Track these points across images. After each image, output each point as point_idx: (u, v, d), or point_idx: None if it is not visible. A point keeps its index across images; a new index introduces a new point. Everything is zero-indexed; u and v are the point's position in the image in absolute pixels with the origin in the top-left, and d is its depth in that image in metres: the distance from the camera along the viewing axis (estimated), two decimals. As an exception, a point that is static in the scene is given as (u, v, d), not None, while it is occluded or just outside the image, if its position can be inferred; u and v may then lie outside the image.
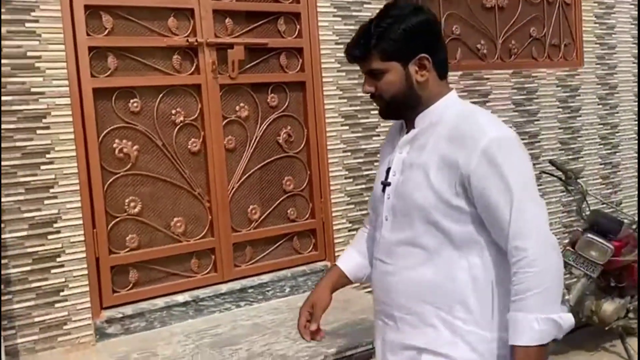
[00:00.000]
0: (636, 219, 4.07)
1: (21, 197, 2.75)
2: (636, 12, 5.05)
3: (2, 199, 2.70)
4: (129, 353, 2.77)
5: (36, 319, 2.79)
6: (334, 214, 3.68)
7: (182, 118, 3.22)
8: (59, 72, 2.82)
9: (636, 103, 5.13)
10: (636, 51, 5.09)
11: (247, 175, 3.43)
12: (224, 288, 3.29)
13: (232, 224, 3.37)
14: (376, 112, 3.78)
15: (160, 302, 3.10)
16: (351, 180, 3.74)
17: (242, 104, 3.41)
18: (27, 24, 2.74)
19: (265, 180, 3.51)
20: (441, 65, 1.65)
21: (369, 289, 3.75)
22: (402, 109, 1.67)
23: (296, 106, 3.60)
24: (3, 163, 2.70)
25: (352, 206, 3.75)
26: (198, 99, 3.26)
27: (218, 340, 2.86)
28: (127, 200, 3.09)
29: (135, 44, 3.07)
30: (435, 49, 1.63)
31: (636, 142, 5.13)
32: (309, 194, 3.65)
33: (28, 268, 2.77)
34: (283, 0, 3.51)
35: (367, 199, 3.79)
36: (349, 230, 3.74)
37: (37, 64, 2.77)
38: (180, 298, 3.15)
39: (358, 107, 3.74)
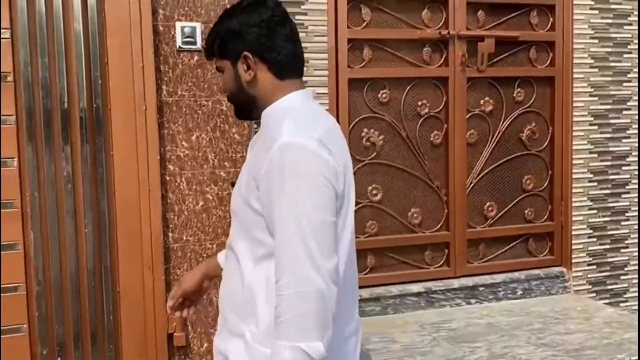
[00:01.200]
0: None
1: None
2: None
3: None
4: (369, 336, 2.87)
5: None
6: (573, 218, 3.48)
7: (427, 110, 3.24)
8: (320, 62, 2.98)
9: None
10: None
11: (486, 171, 3.36)
12: (455, 283, 3.28)
13: (467, 219, 3.33)
14: (629, 112, 3.54)
15: (394, 290, 3.17)
16: (595, 183, 3.51)
17: (487, 98, 3.34)
18: (297, 17, 2.93)
19: (504, 177, 3.42)
20: (276, 65, 1.51)
21: (607, 300, 3.54)
22: (243, 109, 1.61)
23: (542, 102, 3.45)
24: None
25: (595, 211, 3.52)
26: (444, 91, 3.26)
27: (454, 335, 2.86)
28: (369, 188, 3.19)
29: (390, 36, 3.14)
30: (262, 48, 1.50)
31: None
32: (549, 195, 3.49)
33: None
34: (537, -8, 3.37)
35: (611, 204, 3.55)
36: (589, 237, 3.52)
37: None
38: (414, 288, 3.19)
39: (609, 107, 3.49)
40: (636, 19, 3.52)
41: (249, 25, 1.50)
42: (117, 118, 2.54)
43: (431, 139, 3.26)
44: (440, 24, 3.21)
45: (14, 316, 2.46)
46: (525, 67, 3.39)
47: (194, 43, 2.64)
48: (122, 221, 2.58)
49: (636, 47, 3.53)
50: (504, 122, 3.38)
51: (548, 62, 3.42)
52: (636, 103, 3.56)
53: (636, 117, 3.56)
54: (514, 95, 3.39)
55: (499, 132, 3.37)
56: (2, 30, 2.39)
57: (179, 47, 2.63)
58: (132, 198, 2.57)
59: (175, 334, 2.66)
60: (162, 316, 2.63)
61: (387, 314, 3.14)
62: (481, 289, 3.31)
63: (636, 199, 3.59)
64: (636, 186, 3.58)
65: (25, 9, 2.40)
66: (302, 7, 2.93)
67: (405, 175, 3.24)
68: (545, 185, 3.48)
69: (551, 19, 3.39)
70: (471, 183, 3.34)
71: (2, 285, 2.43)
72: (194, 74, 2.66)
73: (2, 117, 2.40)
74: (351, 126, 3.11)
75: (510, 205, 3.43)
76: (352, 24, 3.08)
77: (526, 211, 3.46)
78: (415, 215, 3.26)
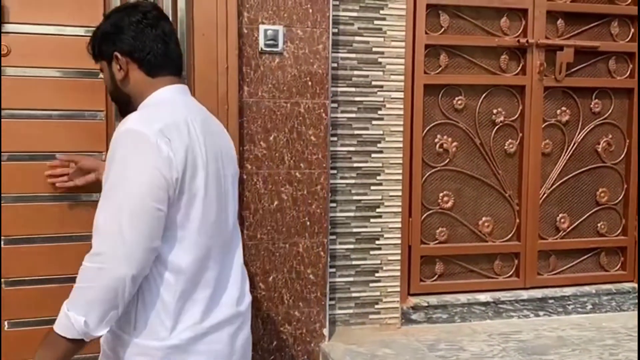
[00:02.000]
0: None
1: (352, 181, 2.98)
2: None
3: (338, 181, 2.95)
4: (436, 342, 2.86)
5: (353, 294, 3.02)
6: (648, 234, 3.40)
7: (502, 118, 3.22)
8: (397, 67, 2.99)
9: None
10: None
11: (560, 182, 3.32)
12: (524, 294, 3.23)
13: (539, 230, 3.29)
14: None
15: (462, 298, 3.15)
16: (673, 199, 3.41)
17: (563, 108, 3.30)
18: (375, 22, 2.95)
19: (578, 189, 3.36)
20: (146, 63, 1.61)
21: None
22: (122, 106, 1.69)
23: (620, 114, 3.38)
24: (343, 149, 2.95)
25: (671, 228, 3.42)
26: (520, 100, 3.23)
27: (524, 347, 2.82)
28: (440, 194, 3.18)
29: (467, 42, 3.13)
30: (131, 47, 1.60)
31: None
32: (623, 209, 3.41)
33: (352, 246, 3.00)
34: (619, 2, 3.30)
35: (690, 222, 3.44)
36: (664, 253, 3.43)
37: (379, 59, 2.96)
38: (482, 297, 3.17)
39: (692, 120, 3.39)
40: None
41: (119, 27, 1.61)
42: (201, 117, 2.61)
43: (505, 147, 3.24)
44: (519, 32, 3.18)
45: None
46: (603, 78, 3.33)
47: (276, 46, 2.69)
48: (200, 217, 2.64)
49: None
50: (580, 133, 3.32)
51: (627, 73, 3.35)
52: None
53: None
54: (591, 106, 3.33)
55: (574, 143, 3.32)
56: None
57: (262, 49, 2.68)
58: (211, 195, 2.63)
59: (247, 329, 2.71)
60: (235, 312, 2.68)
61: (454, 322, 3.13)
62: (550, 301, 3.26)
63: None
64: None
65: (119, 9, 2.50)
66: (381, 12, 2.94)
67: (477, 183, 3.22)
68: (619, 199, 3.41)
69: (632, 30, 3.33)
70: (544, 193, 3.29)
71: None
72: (274, 76, 2.71)
73: (92, 112, 2.50)
74: (425, 132, 3.12)
75: (583, 217, 3.37)
76: (430, 30, 3.08)
77: (599, 224, 3.39)
78: (486, 224, 3.24)
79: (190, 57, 2.59)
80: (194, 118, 1.57)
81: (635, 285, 3.39)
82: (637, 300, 3.37)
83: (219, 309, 1.61)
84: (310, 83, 2.75)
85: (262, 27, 2.67)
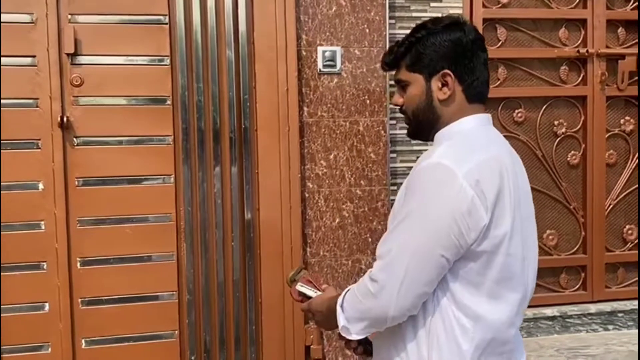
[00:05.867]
0: None
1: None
2: None
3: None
4: (503, 358, 2.83)
5: (416, 310, 3.02)
6: None
7: (563, 130, 3.17)
8: (455, 82, 2.99)
9: None
10: None
11: (626, 192, 3.24)
12: (592, 308, 3.17)
13: (605, 242, 3.22)
14: None
15: (528, 313, 3.10)
16: None
17: (627, 117, 3.23)
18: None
19: (645, 200, 3.28)
20: (471, 88, 1.48)
21: None
22: (422, 127, 1.53)
23: (688, 121, 3.29)
24: (403, 165, 2.96)
25: None
26: (582, 110, 3.18)
27: (594, 363, 2.77)
28: (502, 208, 3.15)
29: (526, 55, 3.11)
30: (464, 68, 1.47)
31: None
32: (695, 219, 3.30)
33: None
34: (683, 6, 3.22)
35: None
36: None
37: (437, 75, 2.98)
38: (548, 312, 3.12)
39: None
40: None
41: (455, 44, 1.47)
42: (263, 138, 2.68)
43: (568, 159, 3.19)
44: (579, 42, 3.14)
45: (167, 323, 2.65)
46: (669, 85, 3.25)
47: (334, 66, 2.75)
48: (265, 236, 2.71)
49: None
50: (645, 142, 3.25)
51: (694, 79, 3.26)
52: None
53: None
54: (657, 114, 3.25)
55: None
56: (162, 58, 2.60)
57: (320, 70, 2.74)
58: (274, 214, 2.70)
59: (312, 346, 2.75)
60: (300, 328, 2.73)
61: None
62: (620, 315, 3.18)
63: None
64: None
65: (184, 38, 2.61)
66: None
67: (540, 196, 3.18)
68: (691, 208, 3.30)
69: (699, 34, 3.23)
70: (610, 205, 3.22)
71: (158, 293, 2.63)
72: (332, 96, 2.76)
73: (160, 137, 2.61)
74: (484, 146, 3.10)
75: (652, 229, 3.28)
76: (487, 44, 3.06)
77: (669, 236, 3.29)
78: (550, 237, 3.19)
79: (252, 81, 2.68)
80: (504, 155, 1.45)
81: None
82: None
83: None
84: (368, 101, 2.79)
85: (320, 49, 2.74)
